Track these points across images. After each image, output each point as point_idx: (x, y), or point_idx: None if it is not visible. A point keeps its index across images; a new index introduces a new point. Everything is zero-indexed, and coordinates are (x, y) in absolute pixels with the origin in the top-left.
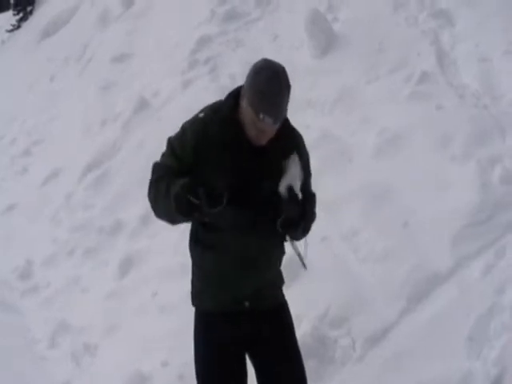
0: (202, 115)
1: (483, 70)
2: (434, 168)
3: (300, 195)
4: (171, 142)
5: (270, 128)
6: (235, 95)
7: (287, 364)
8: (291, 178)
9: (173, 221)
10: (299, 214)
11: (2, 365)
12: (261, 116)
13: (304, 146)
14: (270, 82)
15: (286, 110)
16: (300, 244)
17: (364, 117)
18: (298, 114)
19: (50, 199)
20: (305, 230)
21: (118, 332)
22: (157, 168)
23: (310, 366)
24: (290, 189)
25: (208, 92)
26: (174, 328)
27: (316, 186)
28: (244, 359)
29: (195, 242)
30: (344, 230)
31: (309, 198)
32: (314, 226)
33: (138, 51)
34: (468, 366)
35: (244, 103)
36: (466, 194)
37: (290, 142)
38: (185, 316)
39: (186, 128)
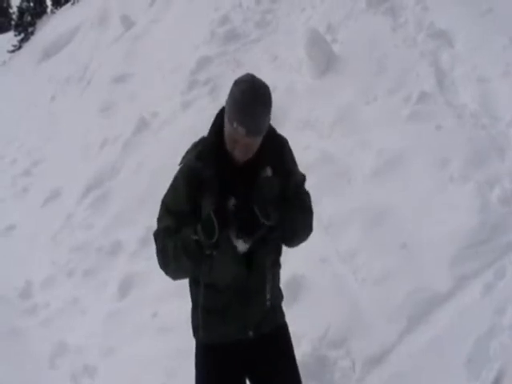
0: (188, 156)
1: (482, 91)
2: (433, 189)
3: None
4: (164, 201)
5: (242, 139)
6: (220, 115)
7: (285, 373)
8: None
9: (186, 271)
10: (274, 196)
11: None
12: (234, 125)
13: (289, 149)
14: (245, 92)
15: (262, 124)
16: None
17: (363, 137)
18: (297, 135)
19: (49, 219)
20: (296, 230)
21: (117, 353)
22: (158, 236)
23: None
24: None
25: (207, 113)
26: (174, 349)
27: (315, 206)
28: (244, 381)
29: (195, 284)
30: (343, 250)
31: (298, 196)
32: (313, 247)
33: (137, 72)
34: None
35: (225, 115)
36: (464, 214)
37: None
38: (184, 337)
39: (178, 178)
